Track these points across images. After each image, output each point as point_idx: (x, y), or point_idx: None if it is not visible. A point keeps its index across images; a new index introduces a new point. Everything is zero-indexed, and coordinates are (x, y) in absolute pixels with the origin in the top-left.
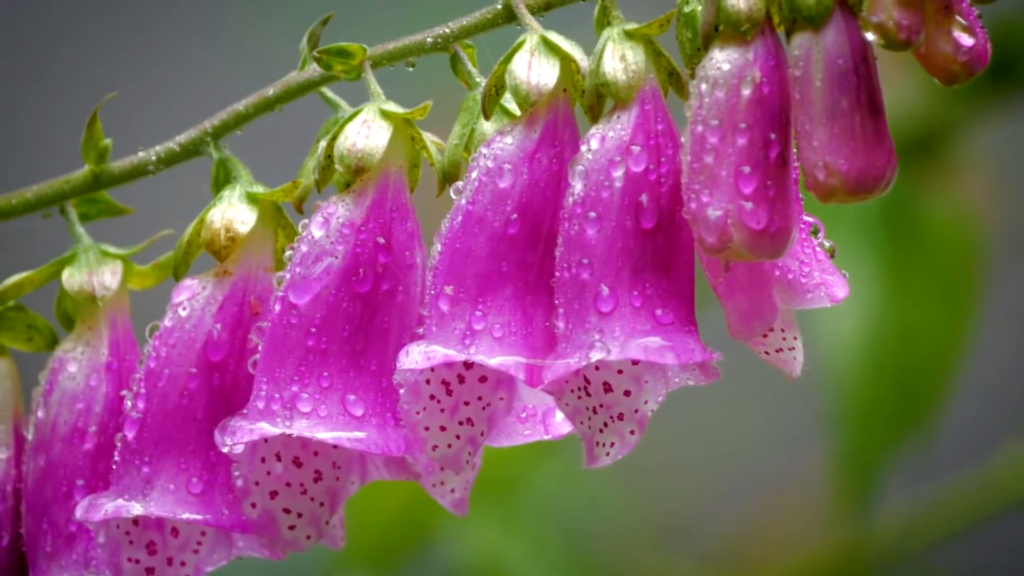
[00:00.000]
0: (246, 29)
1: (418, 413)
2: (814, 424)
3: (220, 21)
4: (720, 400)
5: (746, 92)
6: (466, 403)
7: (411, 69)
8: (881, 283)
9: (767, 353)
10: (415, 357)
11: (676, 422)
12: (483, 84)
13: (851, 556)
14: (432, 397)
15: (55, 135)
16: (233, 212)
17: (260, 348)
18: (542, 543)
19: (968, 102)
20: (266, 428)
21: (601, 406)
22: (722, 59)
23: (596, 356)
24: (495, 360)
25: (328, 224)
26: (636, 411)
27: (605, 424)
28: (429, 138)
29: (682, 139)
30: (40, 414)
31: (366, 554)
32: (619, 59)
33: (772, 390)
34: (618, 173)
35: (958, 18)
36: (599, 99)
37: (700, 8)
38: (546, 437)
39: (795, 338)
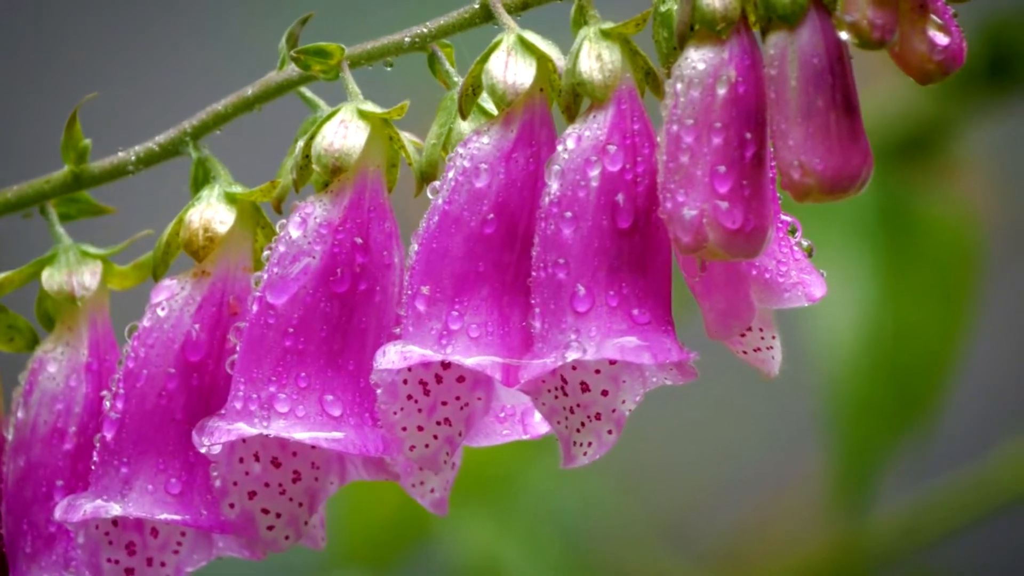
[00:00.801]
0: (241, 30)
1: (396, 413)
2: (810, 423)
3: (214, 22)
4: (716, 399)
5: (721, 91)
6: (444, 403)
7: (389, 69)
8: (878, 282)
9: (745, 352)
10: (392, 357)
11: (671, 421)
12: (460, 84)
13: (848, 555)
14: (409, 397)
15: (36, 135)
16: (212, 212)
17: (238, 348)
18: (537, 542)
19: (964, 101)
20: (244, 428)
21: (578, 406)
22: (697, 58)
23: (572, 356)
24: (471, 360)
25: (306, 224)
26: (613, 411)
27: (582, 424)
28: (407, 138)
29: (658, 139)
30: (20, 415)
31: (361, 553)
32: (595, 58)
33: (769, 389)
34: (594, 173)
35: (933, 17)
36: (575, 98)
37: (676, 7)
38: (524, 437)
39: (773, 337)
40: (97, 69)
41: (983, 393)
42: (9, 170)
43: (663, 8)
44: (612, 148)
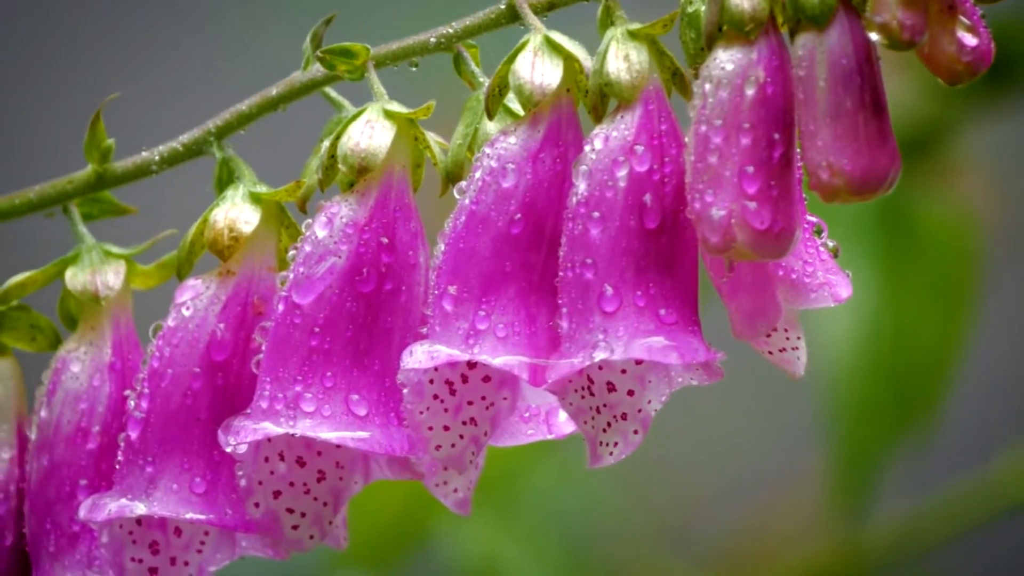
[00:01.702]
0: (250, 28)
1: (422, 413)
2: (811, 425)
3: (223, 21)
4: (718, 399)
5: (750, 92)
6: (469, 403)
7: (414, 69)
8: (878, 283)
9: (770, 353)
10: (419, 357)
11: (673, 421)
12: (486, 84)
13: (848, 557)
14: (436, 397)
15: (58, 135)
16: (236, 212)
17: (264, 348)
18: (539, 542)
19: (965, 102)
20: (270, 428)
21: (605, 406)
22: (726, 59)
23: (600, 356)
24: (499, 360)
25: (332, 224)
26: (639, 411)
27: (608, 424)
28: (432, 138)
29: (686, 139)
30: (43, 414)
31: (364, 553)
32: (623, 59)
33: (770, 390)
34: (622, 173)
35: (962, 18)
36: (603, 99)
37: (703, 8)
38: (549, 436)
39: (798, 338)
40: (101, 69)
41: (984, 394)
42: (12, 170)
43: (691, 9)
44: (640, 148)
